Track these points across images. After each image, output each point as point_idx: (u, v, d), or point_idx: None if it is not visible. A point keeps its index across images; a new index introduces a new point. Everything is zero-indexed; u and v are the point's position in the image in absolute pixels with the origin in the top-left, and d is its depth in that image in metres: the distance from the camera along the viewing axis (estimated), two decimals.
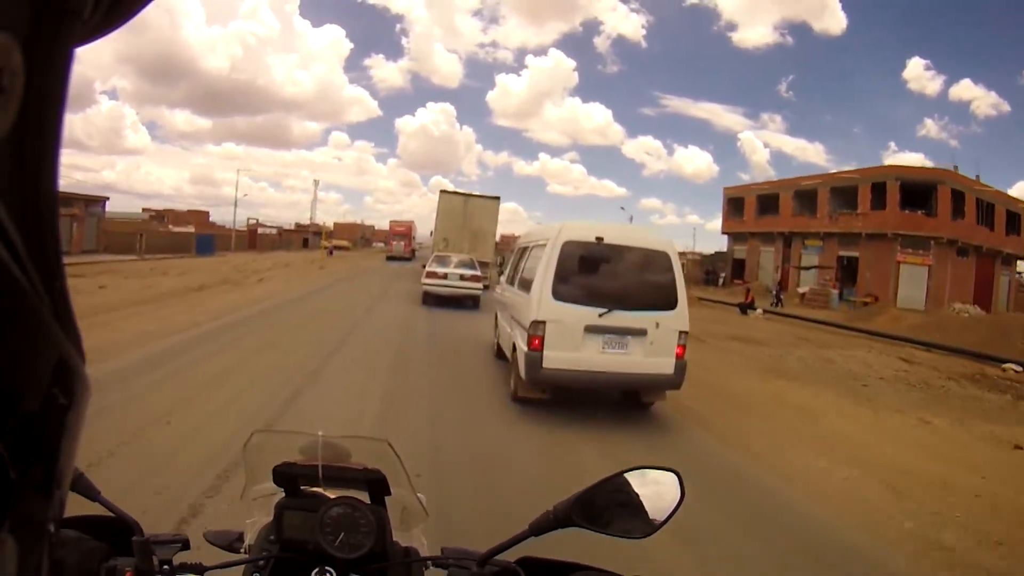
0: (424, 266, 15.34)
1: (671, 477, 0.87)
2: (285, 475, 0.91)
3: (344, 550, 0.87)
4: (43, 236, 0.22)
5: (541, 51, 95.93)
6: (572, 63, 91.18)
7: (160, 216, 58.08)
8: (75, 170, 69.13)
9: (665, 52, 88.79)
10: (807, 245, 33.67)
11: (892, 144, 70.92)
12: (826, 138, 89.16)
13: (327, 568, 0.87)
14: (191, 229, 45.39)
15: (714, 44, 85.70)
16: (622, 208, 74.60)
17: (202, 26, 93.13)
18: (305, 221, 63.62)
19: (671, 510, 0.85)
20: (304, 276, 21.73)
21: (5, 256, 0.19)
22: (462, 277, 14.23)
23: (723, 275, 37.50)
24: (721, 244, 42.11)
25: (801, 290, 27.48)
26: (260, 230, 53.70)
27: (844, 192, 32.01)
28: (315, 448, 0.90)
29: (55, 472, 0.23)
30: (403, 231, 44.45)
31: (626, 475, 0.85)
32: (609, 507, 0.84)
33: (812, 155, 74.81)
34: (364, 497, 0.92)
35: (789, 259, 34.57)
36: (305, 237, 52.76)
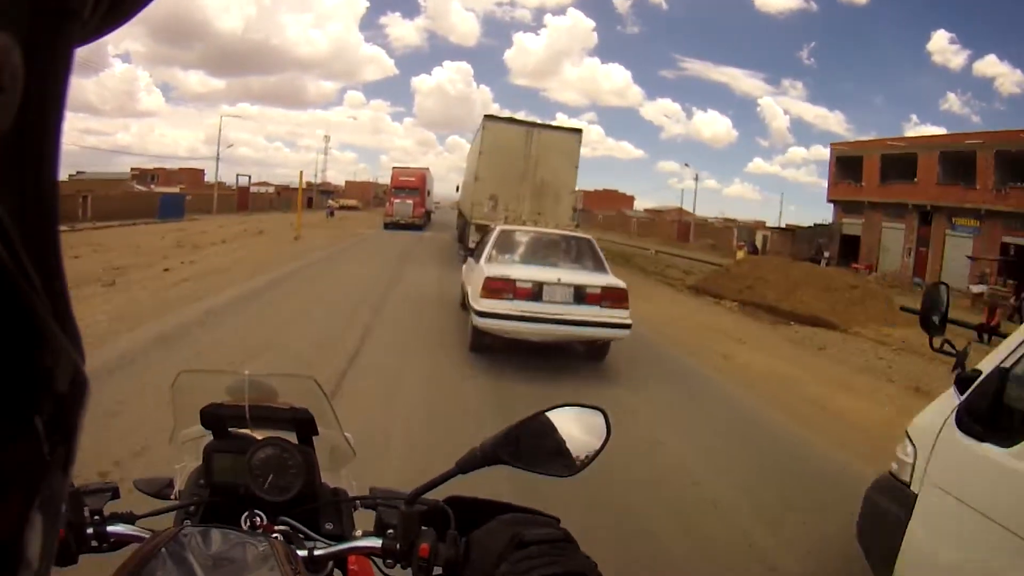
0: (467, 245, 7.34)
1: (598, 416, 0.80)
2: (213, 416, 0.87)
3: (273, 492, 0.83)
4: (43, 236, 0.22)
5: (560, 10, 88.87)
6: (591, 23, 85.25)
7: (150, 175, 51.57)
8: (88, 134, 66.37)
9: (686, 14, 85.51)
10: (956, 225, 25.00)
11: (914, 116, 65.44)
12: (847, 107, 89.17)
13: (256, 511, 0.83)
14: (177, 189, 38.24)
15: (736, 7, 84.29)
16: (686, 165, 65.88)
17: None
18: (318, 180, 56.72)
19: (597, 448, 0.78)
20: (257, 258, 13.17)
21: (4, 256, 0.19)
22: (579, 294, 5.50)
23: (827, 255, 28.76)
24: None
25: (976, 289, 19.44)
26: (256, 189, 46.33)
27: (1018, 159, 23.16)
28: (242, 388, 0.87)
29: (73, 452, 0.23)
30: (412, 183, 28.65)
31: (553, 412, 0.78)
32: (536, 445, 0.77)
33: (832, 124, 71.59)
34: (292, 437, 0.88)
35: (929, 241, 26.10)
36: (309, 196, 45.26)
